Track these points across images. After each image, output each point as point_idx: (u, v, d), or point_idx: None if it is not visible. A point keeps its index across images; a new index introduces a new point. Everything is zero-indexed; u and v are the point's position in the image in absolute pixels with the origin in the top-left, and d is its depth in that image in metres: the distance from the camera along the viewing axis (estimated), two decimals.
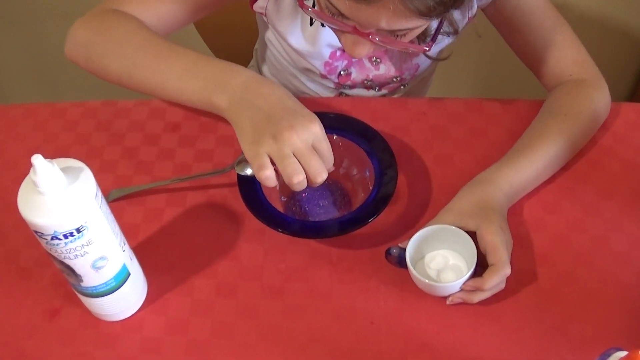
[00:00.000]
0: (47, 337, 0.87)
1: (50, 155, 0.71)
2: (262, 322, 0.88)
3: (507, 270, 0.85)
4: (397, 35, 0.85)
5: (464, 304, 0.87)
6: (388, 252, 0.90)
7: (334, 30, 0.91)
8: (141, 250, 0.91)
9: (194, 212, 0.99)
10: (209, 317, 0.88)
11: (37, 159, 0.68)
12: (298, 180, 0.80)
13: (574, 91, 1.04)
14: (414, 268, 0.86)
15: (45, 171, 0.68)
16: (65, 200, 0.71)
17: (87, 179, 0.73)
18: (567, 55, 1.05)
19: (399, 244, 0.90)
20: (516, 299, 0.89)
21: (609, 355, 0.75)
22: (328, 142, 0.83)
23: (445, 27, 0.96)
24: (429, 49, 0.88)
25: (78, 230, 0.72)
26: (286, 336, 0.86)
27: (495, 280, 0.84)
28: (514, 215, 0.96)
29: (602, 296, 0.89)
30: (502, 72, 2.04)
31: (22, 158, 1.05)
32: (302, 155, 0.80)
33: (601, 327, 0.87)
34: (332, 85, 1.21)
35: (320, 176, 0.81)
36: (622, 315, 0.88)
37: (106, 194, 0.99)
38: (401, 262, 0.88)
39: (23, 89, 2.28)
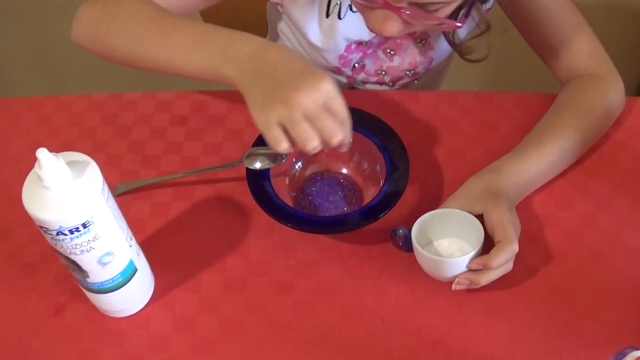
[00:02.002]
0: (53, 333, 0.86)
1: (55, 149, 0.70)
2: (271, 318, 0.87)
3: (515, 247, 0.83)
4: (429, 11, 0.82)
5: (475, 300, 0.87)
6: (394, 233, 0.89)
7: (362, 8, 0.88)
8: (148, 246, 0.90)
9: (202, 206, 0.98)
10: (217, 314, 0.87)
11: (42, 153, 0.66)
12: (312, 146, 0.76)
13: (588, 86, 1.03)
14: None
15: (50, 165, 0.67)
16: (70, 194, 0.69)
17: (93, 173, 0.72)
18: (582, 48, 1.04)
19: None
20: (528, 296, 0.88)
21: (624, 355, 0.74)
22: (342, 100, 0.77)
23: (475, 16, 0.94)
24: (463, 25, 0.85)
25: (84, 226, 0.71)
26: (295, 333, 0.85)
27: (503, 257, 0.83)
28: (526, 211, 0.95)
29: (615, 293, 0.88)
30: (512, 66, 2.03)
31: (26, 152, 1.04)
32: (313, 117, 0.75)
33: (614, 325, 0.86)
34: (344, 80, 1.19)
35: (336, 137, 0.76)
36: (636, 313, 0.86)
37: (112, 188, 0.98)
38: (407, 242, 0.87)
39: (28, 82, 2.27)
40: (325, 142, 0.77)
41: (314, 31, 1.08)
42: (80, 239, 0.72)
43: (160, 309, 0.88)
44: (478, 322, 0.86)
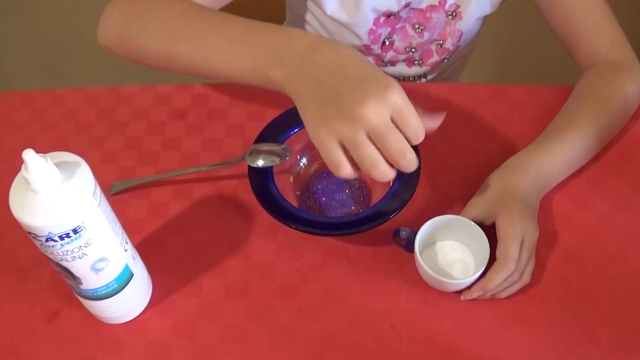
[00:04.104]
0: (46, 340, 0.84)
1: (49, 145, 0.67)
2: (275, 324, 0.84)
3: (510, 266, 0.81)
4: None
5: (489, 304, 0.85)
6: (397, 233, 0.87)
7: None
8: (145, 247, 0.88)
9: (202, 205, 0.95)
10: (218, 319, 0.85)
11: (29, 154, 0.63)
12: (378, 173, 0.67)
13: (607, 73, 1.01)
14: (421, 254, 0.84)
15: (37, 167, 0.64)
16: (60, 198, 0.66)
17: (84, 175, 0.69)
18: (605, 33, 1.03)
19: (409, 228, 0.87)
20: (545, 301, 0.86)
21: None
22: (411, 107, 0.68)
23: None
24: None
25: (75, 231, 0.68)
26: (300, 340, 0.83)
27: (498, 278, 0.82)
28: (541, 211, 0.92)
29: (636, 297, 0.86)
30: (524, 59, 2.02)
31: (19, 149, 0.98)
32: (378, 135, 0.66)
33: (635, 331, 0.83)
34: (372, 61, 1.17)
35: (404, 157, 0.67)
36: None
37: (108, 187, 0.96)
38: (409, 245, 0.85)
39: (24, 76, 2.27)
40: (393, 164, 0.68)
41: (337, 7, 1.06)
42: (71, 245, 0.69)
43: (158, 315, 0.86)
44: (492, 327, 0.84)
